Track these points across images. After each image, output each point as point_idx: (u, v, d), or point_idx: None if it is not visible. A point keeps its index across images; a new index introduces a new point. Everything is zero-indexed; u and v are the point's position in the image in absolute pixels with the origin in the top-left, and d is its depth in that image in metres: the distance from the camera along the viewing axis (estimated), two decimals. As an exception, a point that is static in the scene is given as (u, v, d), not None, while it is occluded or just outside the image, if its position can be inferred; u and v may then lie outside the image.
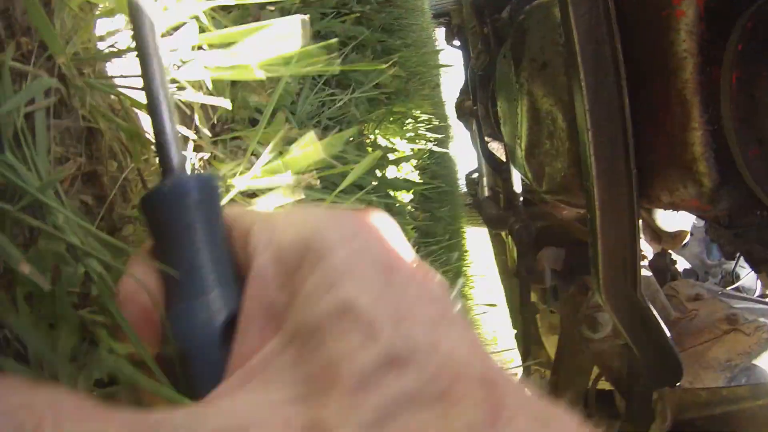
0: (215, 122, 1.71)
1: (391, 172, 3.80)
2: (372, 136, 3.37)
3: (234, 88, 1.71)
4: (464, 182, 7.38)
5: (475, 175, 5.90)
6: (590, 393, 3.01)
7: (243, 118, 1.81)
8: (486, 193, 4.93)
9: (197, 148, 1.55)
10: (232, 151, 1.72)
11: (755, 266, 1.99)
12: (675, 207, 2.00)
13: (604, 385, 2.90)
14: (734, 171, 1.69)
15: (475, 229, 9.44)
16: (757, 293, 4.47)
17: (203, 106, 1.56)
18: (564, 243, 3.68)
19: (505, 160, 3.92)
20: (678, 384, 2.15)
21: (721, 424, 1.95)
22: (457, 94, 5.52)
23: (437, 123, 5.52)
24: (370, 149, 3.01)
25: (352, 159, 2.36)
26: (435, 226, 4.75)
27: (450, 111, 8.43)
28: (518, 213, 3.67)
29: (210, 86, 1.44)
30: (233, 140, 1.74)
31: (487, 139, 4.37)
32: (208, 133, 1.57)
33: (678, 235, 3.88)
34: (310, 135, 1.32)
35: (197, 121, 1.53)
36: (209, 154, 1.59)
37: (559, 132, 2.20)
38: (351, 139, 2.49)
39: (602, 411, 2.99)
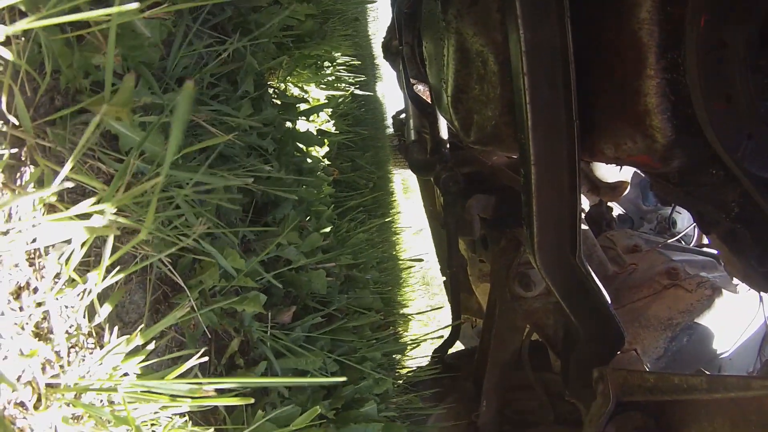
0: (41, 96, 1.40)
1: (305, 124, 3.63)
2: (282, 86, 3.14)
3: (68, 47, 1.41)
4: (391, 123, 7.31)
5: (403, 116, 5.81)
6: (523, 346, 2.90)
7: (85, 86, 1.49)
8: (412, 136, 4.78)
9: (13, 139, 1.27)
10: (76, 131, 1.43)
11: (706, 229, 1.81)
12: (620, 162, 1.82)
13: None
14: (692, 127, 1.49)
15: (404, 172, 9.35)
16: (695, 240, 4.41)
17: (19, 77, 1.29)
18: (494, 189, 3.50)
19: (431, 103, 3.78)
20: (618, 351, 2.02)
21: (673, 411, 1.80)
22: (385, 33, 5.44)
23: (359, 64, 5.34)
24: (277, 101, 2.76)
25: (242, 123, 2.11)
26: (356, 176, 4.61)
27: (377, 50, 8.28)
28: (444, 161, 3.48)
29: (45, 49, 1.17)
30: (80, 114, 1.45)
31: (412, 80, 4.23)
32: (27, 116, 1.28)
33: (618, 187, 3.76)
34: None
35: (3, 104, 1.24)
36: (28, 148, 1.32)
37: (491, 76, 1.98)
38: (247, 94, 2.23)
39: (535, 362, 2.86)
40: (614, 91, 1.65)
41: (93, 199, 1.10)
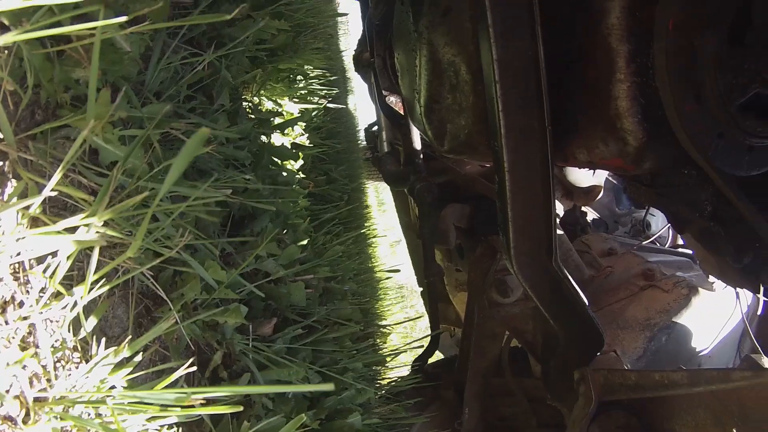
0: (22, 110, 1.41)
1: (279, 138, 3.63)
2: (256, 99, 3.15)
3: (49, 61, 1.42)
4: (364, 136, 7.32)
5: (375, 128, 5.82)
6: (503, 353, 2.89)
7: (66, 100, 1.50)
8: (385, 148, 4.79)
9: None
10: (56, 146, 1.43)
11: (679, 228, 1.84)
12: (593, 166, 1.84)
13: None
14: (663, 128, 1.51)
15: (377, 184, 9.38)
16: (669, 241, 4.45)
17: (0, 91, 1.30)
18: (468, 198, 3.52)
19: (404, 114, 3.79)
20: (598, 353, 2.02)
21: (655, 408, 1.82)
22: (356, 46, 5.45)
23: (332, 77, 5.36)
24: (252, 116, 2.78)
25: (219, 135, 2.13)
26: (331, 189, 4.63)
27: (349, 63, 8.30)
28: (419, 171, 3.50)
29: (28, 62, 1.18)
30: (61, 129, 1.45)
31: (384, 92, 4.25)
32: (10, 130, 1.29)
33: (591, 191, 3.79)
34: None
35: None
36: (11, 160, 1.33)
37: (463, 85, 2.00)
38: (222, 107, 2.24)
39: (515, 369, 2.86)
40: (586, 96, 1.68)
41: (82, 213, 1.11)
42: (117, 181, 1.31)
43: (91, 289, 1.36)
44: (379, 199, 11.80)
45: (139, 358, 1.49)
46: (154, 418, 1.41)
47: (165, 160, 1.50)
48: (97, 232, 1.14)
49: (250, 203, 2.19)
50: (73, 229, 1.16)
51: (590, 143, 1.72)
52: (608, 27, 1.54)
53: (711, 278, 3.19)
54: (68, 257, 1.32)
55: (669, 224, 4.47)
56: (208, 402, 1.36)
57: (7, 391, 1.29)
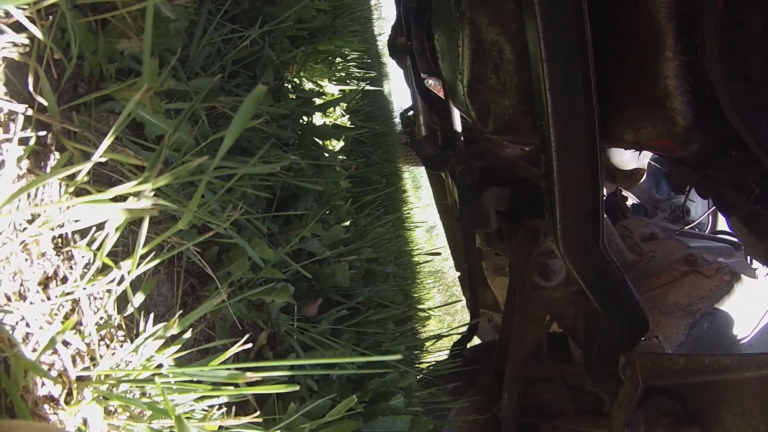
0: (65, 82, 1.40)
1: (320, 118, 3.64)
2: (296, 80, 3.15)
3: (92, 33, 1.41)
4: (399, 121, 7.32)
5: (411, 113, 5.81)
6: (542, 339, 2.86)
7: (110, 72, 1.50)
8: (423, 132, 4.78)
9: (38, 124, 1.27)
10: (100, 119, 1.43)
11: (726, 211, 1.80)
12: (639, 147, 1.80)
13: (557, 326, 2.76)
14: (711, 109, 1.48)
15: (413, 169, 9.37)
16: (709, 228, 4.40)
17: (45, 61, 1.29)
18: (508, 182, 3.50)
19: (443, 97, 3.77)
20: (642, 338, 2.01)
21: (701, 394, 1.79)
22: (390, 31, 5.45)
23: (369, 61, 5.36)
24: (293, 96, 2.78)
25: (264, 111, 2.13)
26: (370, 172, 4.63)
27: (383, 48, 8.30)
28: (459, 154, 3.47)
29: (72, 30, 1.17)
30: (105, 102, 1.45)
31: (423, 75, 4.23)
32: (54, 99, 1.28)
33: (635, 174, 3.75)
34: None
35: (30, 86, 1.25)
36: (54, 131, 1.32)
37: (507, 65, 1.98)
38: (267, 85, 2.24)
39: (554, 355, 2.84)
40: (633, 75, 1.65)
41: (134, 181, 1.10)
42: (164, 155, 1.30)
43: (138, 264, 1.35)
44: (415, 184, 11.79)
45: (188, 335, 1.48)
46: (203, 397, 1.41)
47: (211, 135, 1.50)
48: (151, 199, 1.13)
49: (295, 182, 2.20)
50: (121, 200, 1.15)
51: (637, 123, 1.69)
52: (656, 4, 1.51)
53: (754, 264, 3.15)
54: (117, 229, 1.30)
55: (710, 210, 4.43)
56: (260, 382, 1.35)
57: (49, 370, 1.28)
